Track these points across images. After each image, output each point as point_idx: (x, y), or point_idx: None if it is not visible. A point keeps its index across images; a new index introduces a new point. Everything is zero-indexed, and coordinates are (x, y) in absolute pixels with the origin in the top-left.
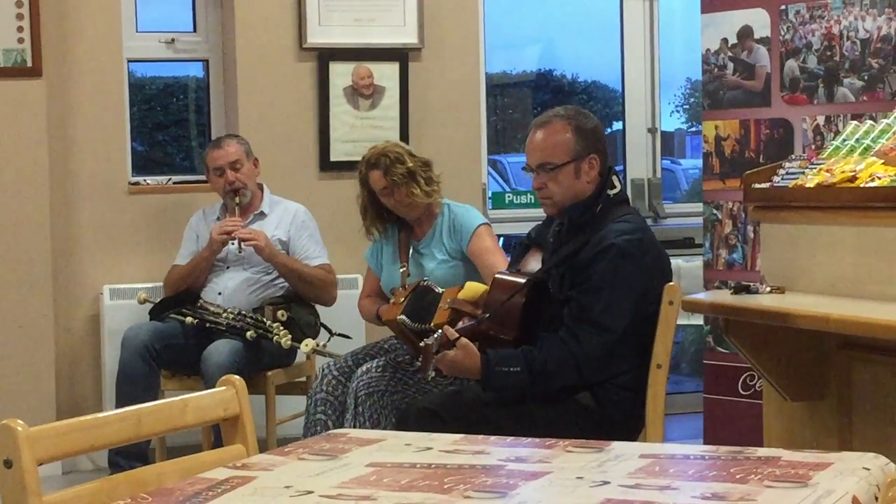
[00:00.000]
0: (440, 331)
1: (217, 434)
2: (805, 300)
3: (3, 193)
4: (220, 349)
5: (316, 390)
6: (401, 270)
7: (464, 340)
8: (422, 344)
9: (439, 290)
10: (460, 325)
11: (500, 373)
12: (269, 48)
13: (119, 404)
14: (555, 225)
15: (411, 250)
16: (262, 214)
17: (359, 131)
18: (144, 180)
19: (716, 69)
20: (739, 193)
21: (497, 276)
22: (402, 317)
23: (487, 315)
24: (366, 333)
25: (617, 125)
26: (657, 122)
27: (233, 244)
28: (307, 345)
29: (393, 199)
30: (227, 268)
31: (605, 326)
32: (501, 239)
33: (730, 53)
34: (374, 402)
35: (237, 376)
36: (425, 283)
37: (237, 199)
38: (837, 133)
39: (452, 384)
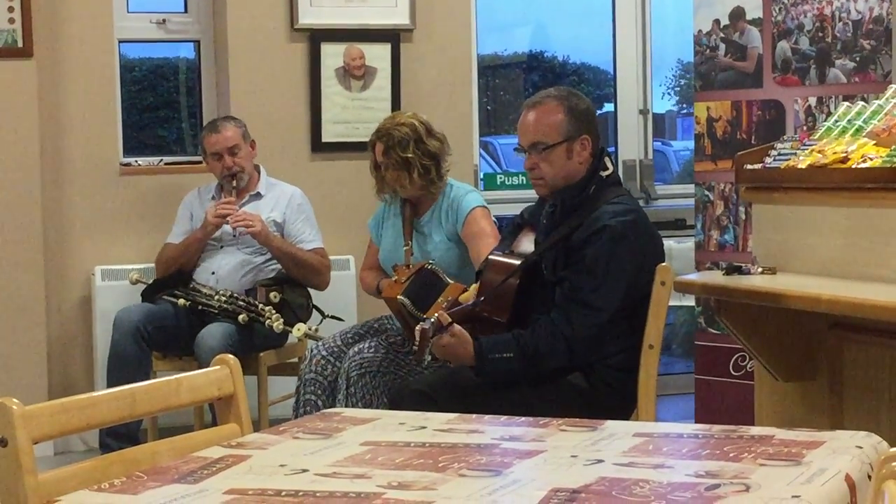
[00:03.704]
0: (436, 315)
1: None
2: (797, 281)
3: None
4: (213, 333)
5: (305, 371)
6: (404, 249)
7: (457, 328)
8: (417, 328)
9: (446, 279)
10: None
11: (493, 359)
12: (260, 29)
13: (110, 385)
14: (548, 206)
15: (414, 230)
16: (259, 196)
17: (350, 112)
18: (136, 161)
19: (708, 50)
20: (731, 175)
21: (490, 257)
22: (403, 298)
23: (482, 298)
24: (357, 316)
25: (608, 106)
26: (648, 104)
27: (228, 226)
28: (299, 329)
29: (386, 174)
30: (221, 247)
31: (595, 307)
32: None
33: (722, 35)
34: (367, 383)
35: (231, 355)
36: (430, 267)
37: (234, 183)
38: (829, 114)
39: (444, 366)
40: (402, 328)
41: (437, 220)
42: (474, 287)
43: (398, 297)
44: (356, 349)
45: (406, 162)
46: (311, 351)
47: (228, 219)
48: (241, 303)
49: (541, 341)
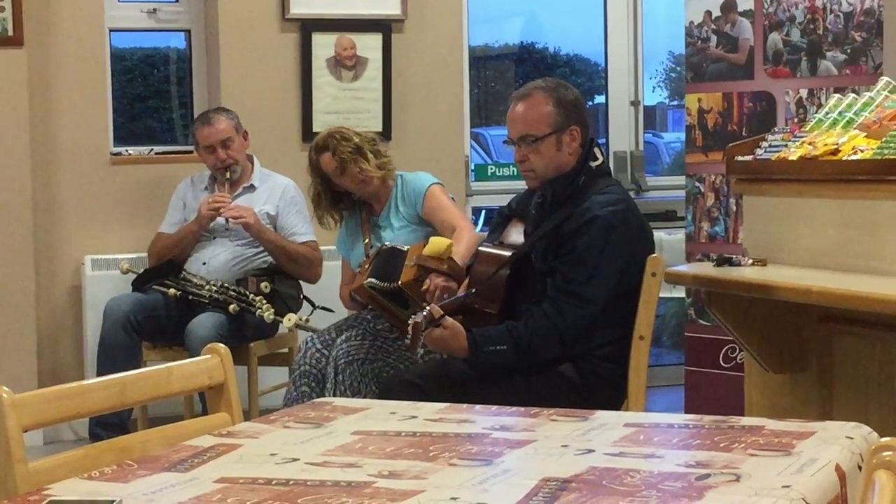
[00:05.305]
0: (428, 308)
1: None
2: (787, 273)
3: None
4: (203, 323)
5: (299, 363)
6: (364, 243)
7: (449, 320)
8: (409, 322)
9: (405, 248)
10: (444, 300)
11: (487, 352)
12: (251, 18)
13: (100, 375)
14: (536, 196)
15: (373, 227)
16: (252, 188)
17: (341, 102)
18: (126, 150)
19: (699, 42)
20: (722, 166)
21: (480, 248)
22: (371, 279)
23: (474, 290)
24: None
25: (599, 98)
26: (640, 96)
27: (221, 218)
28: (290, 319)
29: (346, 177)
30: (214, 238)
31: (587, 298)
32: (483, 211)
33: (713, 26)
34: (354, 371)
35: (221, 344)
36: (388, 246)
37: (227, 175)
38: (820, 106)
39: (435, 356)
40: (384, 315)
41: (395, 210)
42: (433, 239)
43: (364, 282)
44: (344, 337)
45: (358, 148)
46: (306, 343)
47: (221, 211)
48: (232, 293)
49: (534, 333)
